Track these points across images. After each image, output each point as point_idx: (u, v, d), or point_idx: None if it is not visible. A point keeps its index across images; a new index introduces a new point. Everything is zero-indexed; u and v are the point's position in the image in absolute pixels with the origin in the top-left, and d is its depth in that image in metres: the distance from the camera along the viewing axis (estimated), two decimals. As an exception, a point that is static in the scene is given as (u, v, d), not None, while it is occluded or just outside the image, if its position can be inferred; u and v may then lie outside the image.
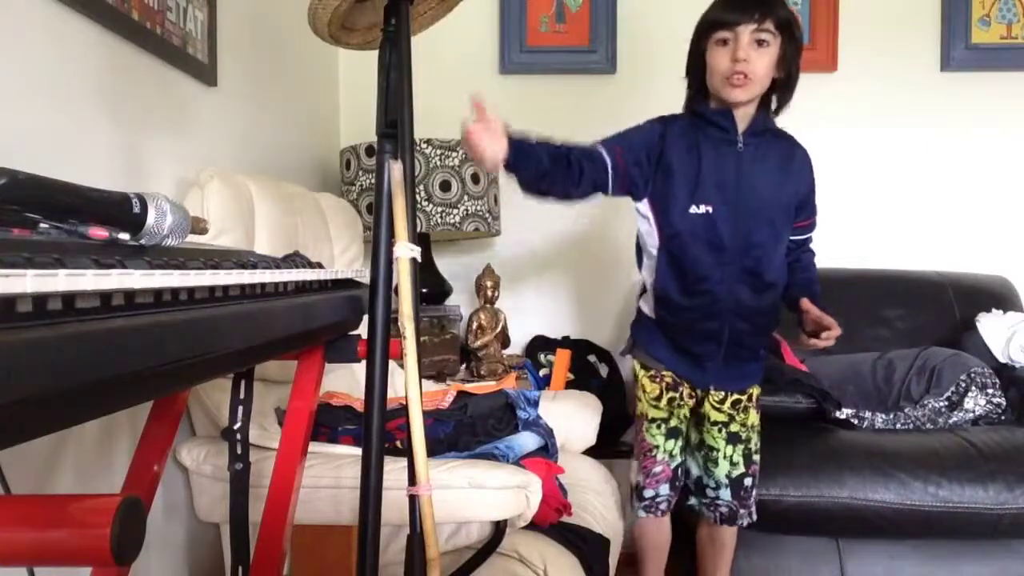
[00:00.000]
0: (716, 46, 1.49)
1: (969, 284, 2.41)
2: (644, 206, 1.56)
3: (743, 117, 1.53)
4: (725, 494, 1.63)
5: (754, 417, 1.64)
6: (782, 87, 1.54)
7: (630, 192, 1.55)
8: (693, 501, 1.69)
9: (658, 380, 1.61)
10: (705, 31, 1.51)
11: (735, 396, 1.61)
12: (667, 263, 1.54)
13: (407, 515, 0.97)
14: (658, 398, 1.61)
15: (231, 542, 1.04)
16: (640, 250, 1.65)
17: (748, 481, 1.63)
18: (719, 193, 1.50)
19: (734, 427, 1.61)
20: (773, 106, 1.57)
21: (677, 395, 1.61)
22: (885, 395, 2.09)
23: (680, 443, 1.64)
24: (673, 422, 1.62)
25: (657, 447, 1.62)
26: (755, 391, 1.64)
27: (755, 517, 1.65)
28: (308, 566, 1.19)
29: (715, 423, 1.62)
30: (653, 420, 1.62)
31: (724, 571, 1.74)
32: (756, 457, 1.65)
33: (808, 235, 1.66)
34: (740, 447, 1.62)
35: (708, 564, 1.74)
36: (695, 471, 1.68)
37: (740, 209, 1.50)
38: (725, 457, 1.62)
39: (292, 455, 1.01)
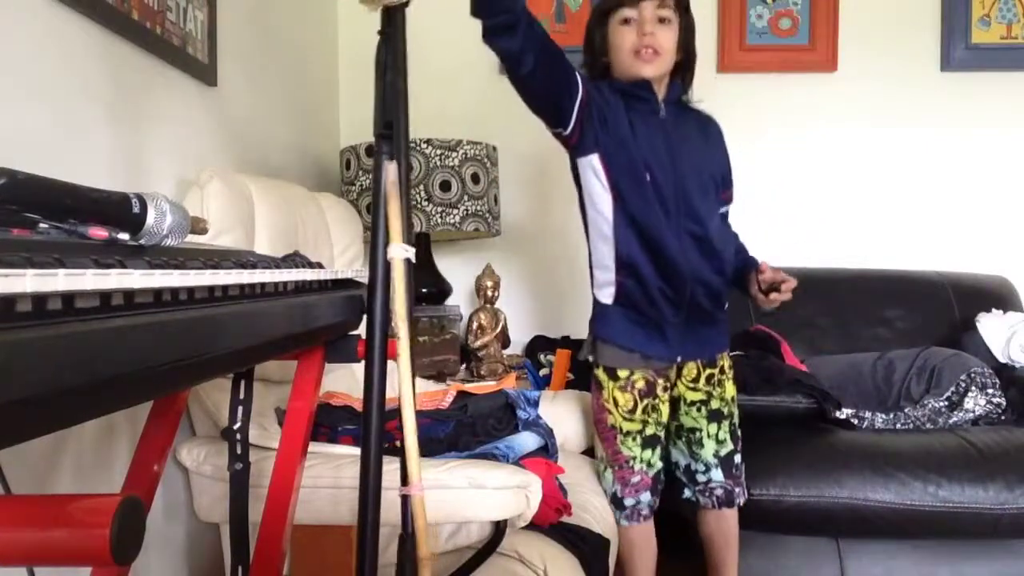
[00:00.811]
0: (619, 26, 1.54)
1: (969, 284, 2.41)
2: (596, 161, 1.54)
3: (659, 88, 1.58)
4: (717, 475, 1.63)
5: (731, 389, 1.64)
6: (684, 68, 1.60)
7: (581, 136, 1.52)
8: (688, 493, 1.67)
9: (629, 389, 1.57)
10: (607, 11, 1.56)
11: (708, 371, 1.61)
12: (626, 225, 1.53)
13: (407, 515, 0.97)
14: (632, 410, 1.58)
15: (231, 542, 1.04)
16: (588, 223, 1.61)
17: (737, 458, 1.64)
18: (655, 160, 1.53)
19: (715, 404, 1.61)
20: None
21: (651, 399, 1.58)
22: (885, 395, 2.09)
23: (659, 450, 1.62)
24: (649, 430, 1.59)
25: (634, 458, 1.59)
26: (725, 361, 1.64)
27: (747, 494, 1.66)
28: (308, 566, 1.19)
29: (692, 403, 1.61)
30: (628, 433, 1.58)
31: (734, 559, 1.71)
32: (739, 432, 1.65)
33: (729, 207, 1.70)
34: (725, 423, 1.62)
35: (717, 555, 1.70)
36: (682, 460, 1.67)
37: (676, 174, 1.54)
38: (710, 436, 1.61)
39: (292, 455, 1.01)
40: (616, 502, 1.62)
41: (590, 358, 1.64)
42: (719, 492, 1.63)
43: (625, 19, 1.53)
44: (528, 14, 1.38)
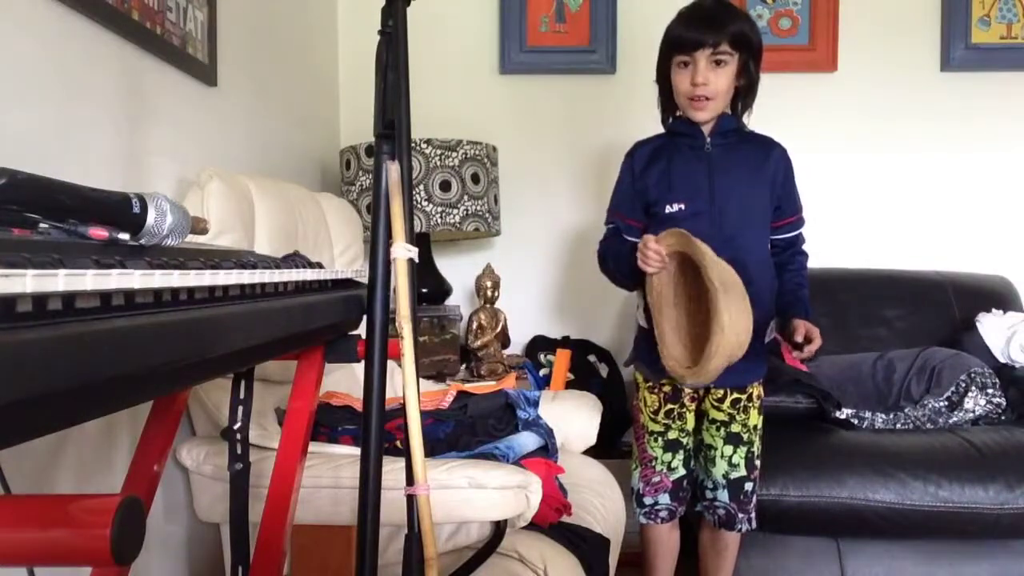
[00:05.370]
0: (677, 67, 1.56)
1: (969, 284, 2.41)
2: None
3: (708, 123, 1.60)
4: (722, 495, 1.63)
5: (756, 418, 1.64)
6: (744, 93, 1.61)
7: None
8: (699, 506, 1.70)
9: (657, 391, 1.63)
10: (667, 51, 1.58)
11: (735, 395, 1.61)
12: None
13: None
14: (657, 411, 1.64)
15: (231, 542, 1.04)
16: None
17: (749, 486, 1.63)
18: (691, 192, 1.57)
19: (735, 427, 1.62)
20: (739, 110, 1.63)
21: (676, 405, 1.62)
22: (885, 395, 2.09)
23: (681, 455, 1.64)
24: (672, 435, 1.63)
25: (656, 458, 1.64)
26: (756, 390, 1.64)
27: (755, 524, 1.65)
28: (308, 566, 1.19)
29: (714, 421, 1.63)
30: (652, 432, 1.65)
31: (727, 573, 1.74)
32: (758, 462, 1.65)
33: (794, 234, 1.68)
34: (743, 449, 1.62)
35: (709, 568, 1.75)
36: (700, 474, 1.69)
37: (714, 205, 1.56)
38: (723, 457, 1.62)
39: (292, 455, 1.01)
40: (638, 499, 1.68)
41: (632, 367, 1.72)
42: (721, 512, 1.64)
43: (683, 62, 1.55)
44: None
